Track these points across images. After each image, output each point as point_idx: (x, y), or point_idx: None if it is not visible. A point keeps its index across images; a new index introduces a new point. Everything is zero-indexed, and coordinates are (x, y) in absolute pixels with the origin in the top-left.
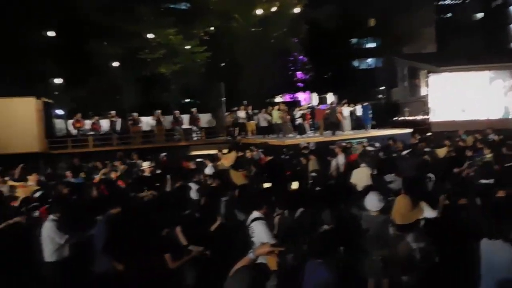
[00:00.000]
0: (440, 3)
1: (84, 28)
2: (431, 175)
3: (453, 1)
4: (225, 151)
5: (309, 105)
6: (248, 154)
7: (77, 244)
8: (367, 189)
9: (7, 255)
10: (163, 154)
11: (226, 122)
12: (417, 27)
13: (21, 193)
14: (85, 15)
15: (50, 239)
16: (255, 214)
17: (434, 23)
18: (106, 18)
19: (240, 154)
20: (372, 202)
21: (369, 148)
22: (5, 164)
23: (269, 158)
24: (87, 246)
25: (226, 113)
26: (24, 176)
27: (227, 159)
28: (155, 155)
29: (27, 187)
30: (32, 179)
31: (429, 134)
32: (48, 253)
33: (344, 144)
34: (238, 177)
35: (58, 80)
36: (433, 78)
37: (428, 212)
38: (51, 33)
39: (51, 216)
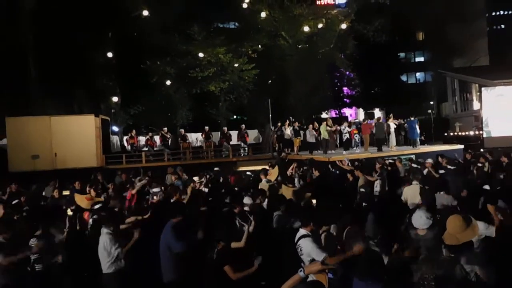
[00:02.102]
0: (493, 14)
1: (139, 48)
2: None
3: (506, 12)
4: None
5: (356, 120)
6: (290, 170)
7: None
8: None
9: (72, 264)
10: (216, 169)
11: (272, 138)
12: (468, 40)
13: (85, 205)
14: (140, 35)
15: (107, 251)
16: (302, 231)
17: (486, 35)
18: (160, 38)
19: (288, 169)
20: (419, 220)
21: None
22: (66, 178)
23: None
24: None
25: (273, 129)
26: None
27: (271, 175)
28: (205, 170)
29: (92, 199)
30: (93, 192)
31: (482, 150)
32: (105, 265)
33: (390, 160)
34: (288, 193)
35: (115, 98)
36: (486, 92)
37: (485, 231)
38: (109, 54)
39: (105, 230)
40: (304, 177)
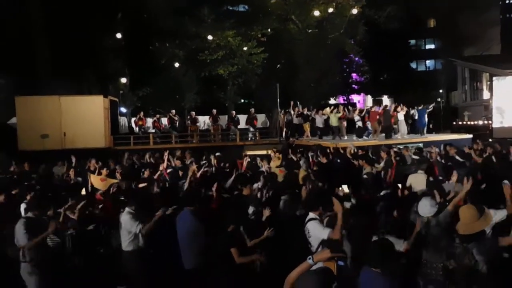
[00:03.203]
0: (506, 1)
1: (148, 30)
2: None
3: None
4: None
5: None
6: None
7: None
8: (421, 195)
9: (92, 243)
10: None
11: (281, 123)
12: (480, 28)
13: (102, 186)
14: (149, 17)
15: (127, 230)
16: (311, 215)
17: (499, 23)
18: (169, 21)
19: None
20: (425, 208)
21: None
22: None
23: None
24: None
25: (281, 114)
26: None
27: (274, 160)
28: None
29: (106, 180)
30: (105, 173)
31: (490, 140)
32: (125, 243)
33: (395, 149)
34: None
35: (123, 80)
36: (497, 81)
37: (494, 218)
38: (118, 35)
39: (127, 209)
40: (306, 163)
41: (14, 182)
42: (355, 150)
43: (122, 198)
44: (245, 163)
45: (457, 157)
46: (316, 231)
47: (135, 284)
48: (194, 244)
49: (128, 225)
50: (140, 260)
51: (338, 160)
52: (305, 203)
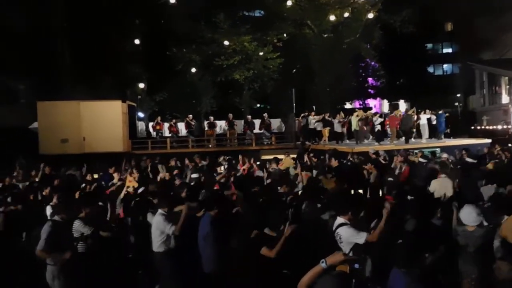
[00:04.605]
0: None
1: (165, 35)
2: None
3: None
4: (293, 155)
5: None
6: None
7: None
8: (460, 202)
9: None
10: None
11: (299, 128)
12: (498, 31)
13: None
14: (166, 23)
15: (160, 230)
16: (340, 220)
17: None
18: (186, 26)
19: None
20: (469, 216)
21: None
22: (94, 162)
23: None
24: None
25: (296, 119)
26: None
27: (283, 164)
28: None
29: (132, 182)
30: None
31: (510, 145)
32: (156, 244)
33: (409, 153)
34: (328, 183)
35: (141, 85)
36: None
37: None
38: (136, 41)
39: (160, 210)
40: (320, 167)
41: (37, 186)
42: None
43: (150, 198)
44: (246, 168)
45: (469, 159)
46: (349, 235)
47: (168, 285)
48: (210, 249)
49: (162, 226)
50: (173, 260)
51: (349, 163)
52: (333, 206)
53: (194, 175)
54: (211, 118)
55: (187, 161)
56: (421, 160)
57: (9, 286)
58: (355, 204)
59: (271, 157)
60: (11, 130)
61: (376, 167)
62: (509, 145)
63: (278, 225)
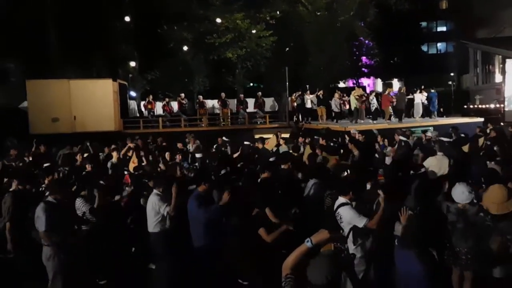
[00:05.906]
0: None
1: (156, 13)
2: None
3: None
4: (285, 135)
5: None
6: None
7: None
8: (452, 180)
9: (118, 225)
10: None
11: (292, 107)
12: (493, 10)
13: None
14: (158, 0)
15: (155, 211)
16: (341, 199)
17: None
18: (178, 3)
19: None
20: (461, 194)
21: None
22: (85, 141)
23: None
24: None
25: (290, 98)
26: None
27: (269, 144)
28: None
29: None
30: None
31: (502, 124)
32: (152, 225)
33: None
34: (330, 162)
35: (132, 63)
36: (510, 64)
37: None
38: (126, 18)
39: (155, 191)
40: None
41: (33, 165)
42: (357, 134)
43: (145, 181)
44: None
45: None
46: (349, 217)
47: (164, 265)
48: (197, 226)
49: (157, 207)
50: (166, 241)
51: (336, 145)
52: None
53: (198, 155)
54: (200, 97)
55: (179, 145)
56: (401, 138)
57: None
58: (357, 184)
59: (264, 136)
60: (0, 109)
61: (356, 147)
62: (501, 123)
63: (281, 208)
